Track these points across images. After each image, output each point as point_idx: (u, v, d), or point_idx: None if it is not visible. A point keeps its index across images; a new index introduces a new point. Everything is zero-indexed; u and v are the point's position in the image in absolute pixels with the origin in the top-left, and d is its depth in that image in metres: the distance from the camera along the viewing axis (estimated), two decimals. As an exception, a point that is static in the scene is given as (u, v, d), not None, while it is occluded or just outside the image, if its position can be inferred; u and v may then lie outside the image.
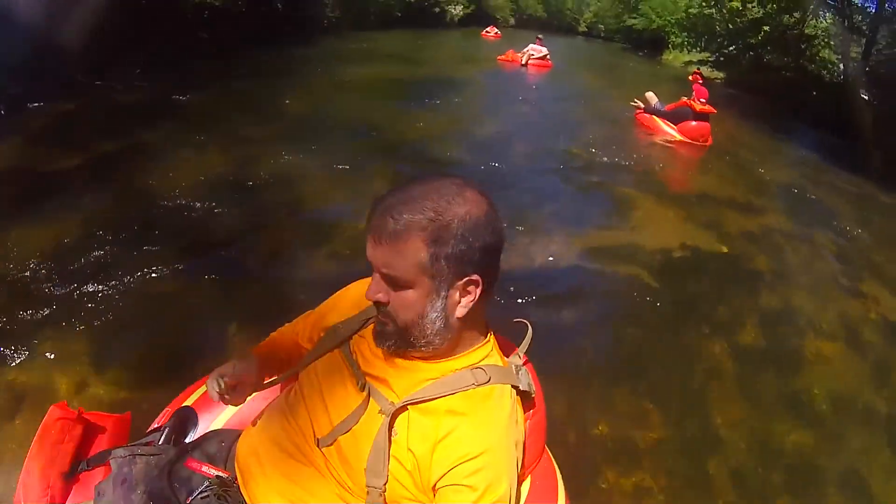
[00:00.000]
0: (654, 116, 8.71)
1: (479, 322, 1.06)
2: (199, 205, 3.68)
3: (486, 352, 1.06)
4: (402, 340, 1.00)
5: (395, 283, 0.96)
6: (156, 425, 1.29)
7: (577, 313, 3.20)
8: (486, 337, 1.08)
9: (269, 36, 10.80)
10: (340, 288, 1.24)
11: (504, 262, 1.00)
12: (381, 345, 1.03)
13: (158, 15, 7.82)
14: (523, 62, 13.83)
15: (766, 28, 18.87)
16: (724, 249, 4.52)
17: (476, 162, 5.68)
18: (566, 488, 1.31)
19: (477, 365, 1.03)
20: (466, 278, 0.95)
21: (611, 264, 3.86)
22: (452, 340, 1.01)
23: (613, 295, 3.54)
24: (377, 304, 0.99)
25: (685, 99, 8.61)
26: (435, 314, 0.97)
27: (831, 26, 18.47)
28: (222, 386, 1.06)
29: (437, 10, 24.22)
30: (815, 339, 3.45)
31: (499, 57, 14.30)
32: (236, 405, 1.12)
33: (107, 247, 3.02)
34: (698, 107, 8.39)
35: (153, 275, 2.89)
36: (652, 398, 2.62)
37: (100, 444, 1.18)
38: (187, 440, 1.25)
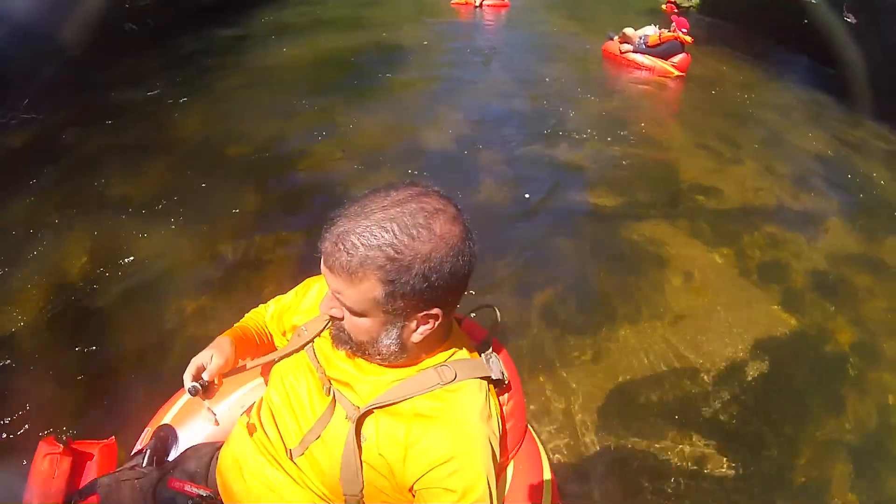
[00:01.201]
0: (646, 55, 8.22)
1: (444, 332, 1.03)
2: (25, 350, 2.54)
3: (451, 349, 1.04)
4: (357, 350, 0.99)
5: (350, 310, 0.92)
6: (139, 447, 1.33)
7: None
8: (450, 333, 1.06)
9: (198, 18, 9.23)
10: None
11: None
12: (338, 348, 1.02)
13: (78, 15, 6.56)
14: (477, 3, 12.83)
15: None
16: (794, 322, 3.21)
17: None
18: (552, 466, 1.28)
19: (443, 363, 1.01)
20: (425, 312, 0.91)
21: (644, 423, 2.44)
22: (410, 357, 1.00)
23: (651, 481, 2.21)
24: (332, 318, 0.98)
25: (666, 32, 8.18)
26: (389, 340, 0.94)
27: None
28: (199, 387, 1.07)
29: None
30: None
31: (452, 1, 13.13)
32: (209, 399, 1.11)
33: None
34: (689, 40, 8.14)
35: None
36: None
37: (90, 473, 1.23)
38: (170, 458, 1.29)
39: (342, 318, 0.94)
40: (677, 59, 8.07)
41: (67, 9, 6.46)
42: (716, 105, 7.27)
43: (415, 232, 0.82)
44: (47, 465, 1.14)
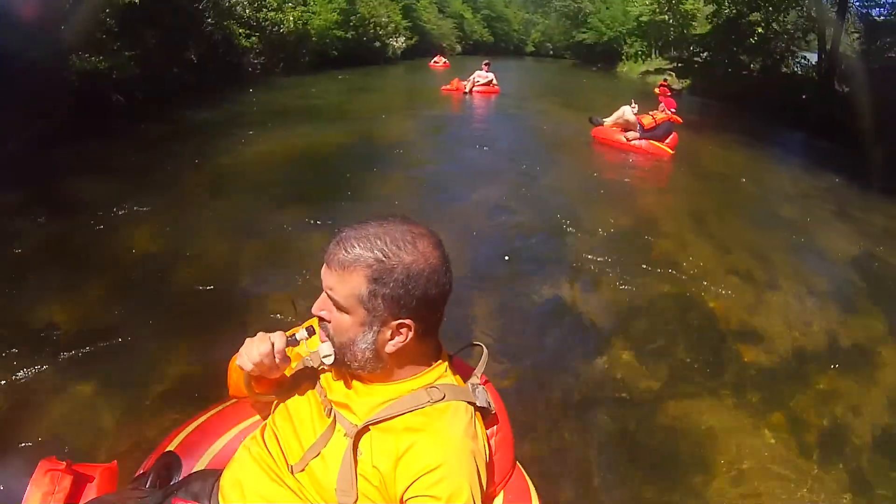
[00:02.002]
0: (650, 141, 8.18)
1: (421, 354, 1.09)
2: None
3: (439, 372, 1.10)
4: (339, 359, 1.06)
5: (337, 306, 1.02)
6: (141, 471, 1.31)
7: None
8: (438, 360, 1.12)
9: (180, 97, 9.08)
10: None
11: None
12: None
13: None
14: (467, 90, 13.15)
15: (732, 31, 16.51)
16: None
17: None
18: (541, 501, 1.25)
19: (432, 384, 1.07)
20: (399, 321, 1.01)
21: None
22: (386, 369, 1.07)
23: None
24: (320, 319, 1.06)
25: (659, 114, 8.39)
26: (365, 345, 1.02)
27: (798, 20, 16.23)
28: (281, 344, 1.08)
29: (377, 44, 21.59)
30: None
31: (443, 88, 13.64)
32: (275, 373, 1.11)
33: None
34: (679, 119, 8.52)
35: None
36: None
37: (89, 494, 1.20)
38: (172, 483, 1.28)
39: (329, 321, 1.04)
40: (669, 139, 8.33)
41: (45, 79, 6.33)
42: (729, 202, 6.68)
43: (401, 244, 0.98)
44: (48, 481, 1.12)
